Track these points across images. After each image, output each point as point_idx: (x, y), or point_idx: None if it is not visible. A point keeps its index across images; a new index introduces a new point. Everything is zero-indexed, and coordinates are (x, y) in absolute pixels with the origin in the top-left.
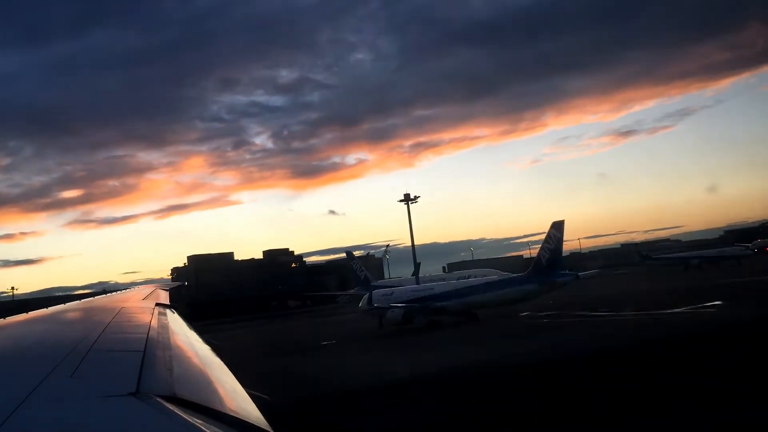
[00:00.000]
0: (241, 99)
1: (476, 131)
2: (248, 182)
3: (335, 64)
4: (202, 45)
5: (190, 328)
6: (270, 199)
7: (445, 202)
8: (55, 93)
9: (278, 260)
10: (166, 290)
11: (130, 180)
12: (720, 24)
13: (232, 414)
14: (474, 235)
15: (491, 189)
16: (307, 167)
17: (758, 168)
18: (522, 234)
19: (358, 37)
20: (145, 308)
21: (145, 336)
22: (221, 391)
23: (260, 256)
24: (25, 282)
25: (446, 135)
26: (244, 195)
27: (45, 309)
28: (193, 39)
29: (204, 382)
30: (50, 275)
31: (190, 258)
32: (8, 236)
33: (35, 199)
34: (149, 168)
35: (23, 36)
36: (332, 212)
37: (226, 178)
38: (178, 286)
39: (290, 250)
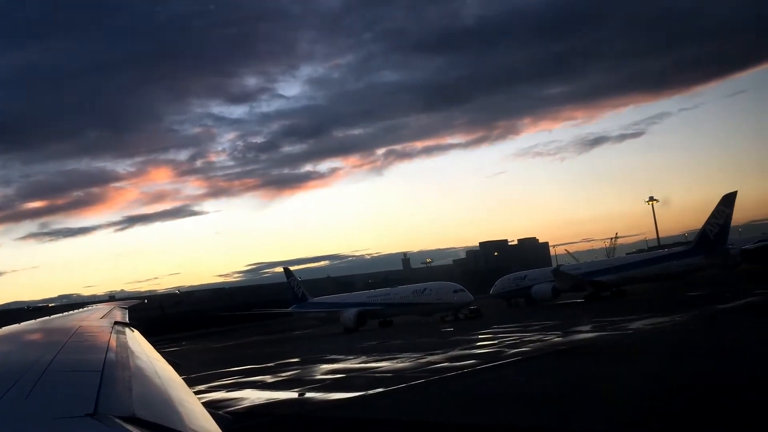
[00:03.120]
0: (202, 109)
1: (448, 139)
2: (214, 193)
3: (300, 73)
4: (164, 54)
5: (150, 346)
6: (237, 209)
7: (409, 211)
8: (12, 103)
9: None
10: (125, 308)
11: (92, 191)
12: (690, 33)
13: None
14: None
15: (458, 197)
16: (273, 177)
17: (723, 174)
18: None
19: (323, 46)
20: (103, 327)
21: (104, 355)
22: (182, 410)
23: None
24: None
25: (418, 143)
26: (209, 205)
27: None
28: (155, 48)
29: (164, 401)
30: (7, 289)
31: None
32: None
33: None
34: (110, 179)
35: None
36: (297, 222)
37: (191, 188)
38: (138, 303)
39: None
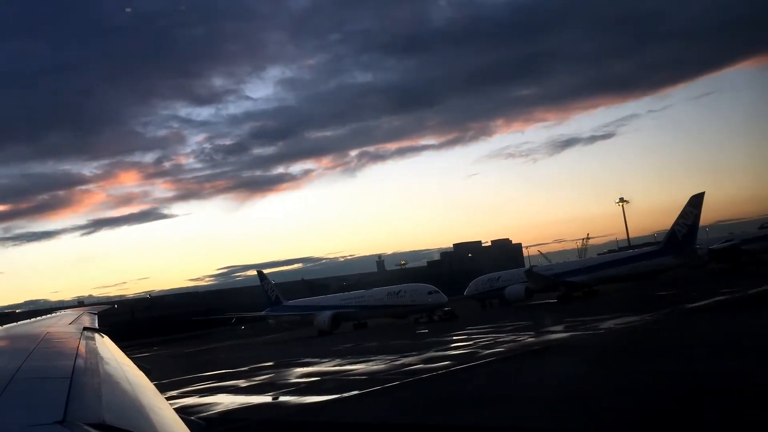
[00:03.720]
0: (170, 111)
1: (421, 141)
2: (183, 196)
3: (271, 75)
4: (131, 55)
5: (120, 352)
6: (207, 212)
7: (383, 213)
8: None
9: None
10: (95, 314)
11: (57, 194)
12: (658, 35)
13: None
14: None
15: (431, 199)
16: (244, 180)
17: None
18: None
19: (293, 47)
20: (72, 333)
21: (73, 362)
22: (153, 416)
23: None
24: None
25: (391, 145)
26: (179, 208)
27: None
28: (121, 49)
29: (135, 408)
30: None
31: None
32: None
33: None
34: (76, 182)
35: None
36: (270, 225)
37: (160, 191)
38: (108, 308)
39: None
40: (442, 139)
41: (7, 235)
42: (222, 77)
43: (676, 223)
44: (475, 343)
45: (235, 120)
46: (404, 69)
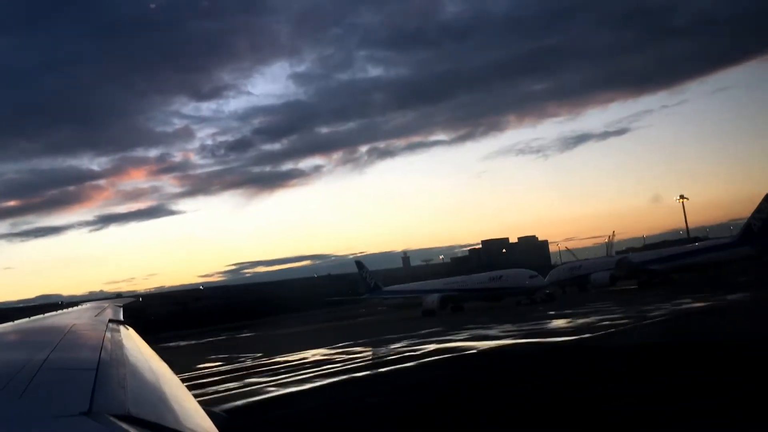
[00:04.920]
0: (180, 107)
1: (432, 137)
2: (192, 192)
3: (281, 70)
4: (141, 51)
5: (145, 344)
6: (216, 208)
7: (393, 209)
8: None
9: None
10: (120, 306)
11: (66, 190)
12: (675, 29)
13: None
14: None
15: (442, 195)
16: (253, 175)
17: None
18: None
19: (304, 42)
20: (97, 325)
21: (98, 354)
22: (177, 408)
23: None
24: None
25: (401, 141)
26: (187, 204)
27: None
28: (132, 45)
29: (159, 399)
30: None
31: None
32: None
33: None
34: (85, 178)
35: None
36: (279, 222)
37: (168, 187)
38: (133, 301)
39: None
40: (453, 134)
41: (16, 231)
42: (229, 73)
43: (752, 216)
44: (605, 317)
45: (243, 116)
46: (415, 64)
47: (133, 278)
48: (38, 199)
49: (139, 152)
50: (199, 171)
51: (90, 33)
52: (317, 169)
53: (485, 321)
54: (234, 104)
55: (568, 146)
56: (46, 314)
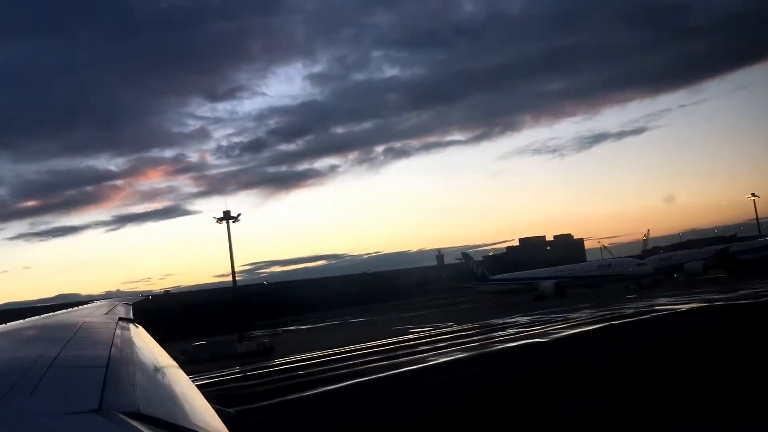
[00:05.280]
0: (196, 107)
1: (448, 136)
2: (208, 192)
3: (298, 70)
4: (158, 52)
5: (155, 342)
6: (233, 208)
7: (409, 208)
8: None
9: None
10: (129, 304)
11: (84, 190)
12: (694, 27)
13: (197, 430)
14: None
15: (458, 195)
16: (269, 175)
17: (726, 172)
18: (485, 242)
19: (320, 42)
20: (107, 323)
21: (108, 351)
22: (186, 406)
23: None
24: None
25: (417, 141)
26: (203, 204)
27: (1, 325)
28: (148, 46)
29: (169, 397)
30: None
31: None
32: None
33: None
34: (102, 178)
35: None
36: (296, 221)
37: (185, 186)
38: (143, 299)
39: None
40: (469, 134)
41: (35, 231)
42: (245, 74)
43: None
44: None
45: (259, 116)
46: (430, 63)
47: (149, 278)
48: (56, 199)
49: (156, 153)
50: (215, 171)
51: (107, 35)
52: (333, 169)
53: (652, 295)
54: (249, 105)
55: (584, 146)
56: (57, 312)
